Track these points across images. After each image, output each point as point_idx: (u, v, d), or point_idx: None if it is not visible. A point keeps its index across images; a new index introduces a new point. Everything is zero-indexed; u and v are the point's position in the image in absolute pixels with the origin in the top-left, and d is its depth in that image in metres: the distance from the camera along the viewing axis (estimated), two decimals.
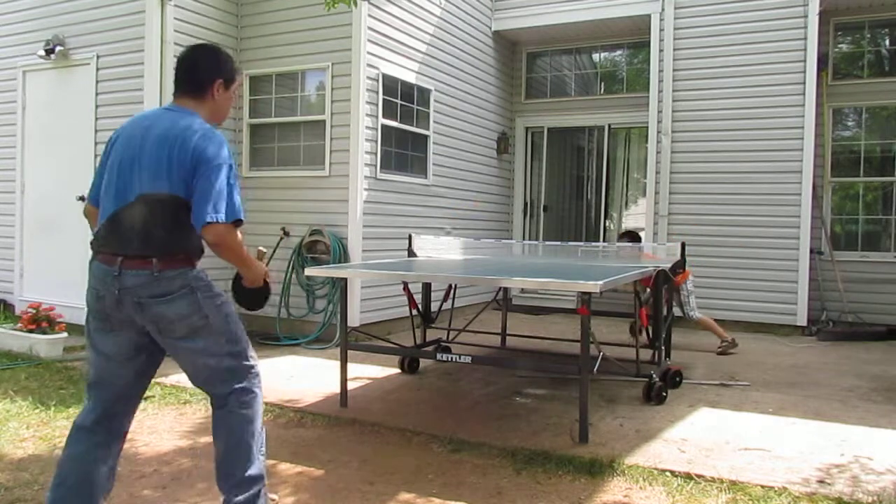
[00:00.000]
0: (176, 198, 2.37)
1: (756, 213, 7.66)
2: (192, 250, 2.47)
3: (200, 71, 2.59)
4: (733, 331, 7.54)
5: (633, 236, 6.81)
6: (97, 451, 2.46)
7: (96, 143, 6.57)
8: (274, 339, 6.53)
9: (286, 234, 6.83)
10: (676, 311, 6.07)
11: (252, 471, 2.49)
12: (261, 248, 2.90)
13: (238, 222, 2.41)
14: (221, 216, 2.33)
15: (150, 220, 2.37)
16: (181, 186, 2.37)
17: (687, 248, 5.30)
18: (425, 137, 7.64)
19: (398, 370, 5.39)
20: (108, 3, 6.56)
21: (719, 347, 6.39)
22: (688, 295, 6.38)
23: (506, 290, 6.44)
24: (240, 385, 2.52)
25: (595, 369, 4.07)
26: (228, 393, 2.50)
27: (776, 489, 3.09)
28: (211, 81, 2.59)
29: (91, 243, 2.49)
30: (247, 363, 2.57)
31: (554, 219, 10.18)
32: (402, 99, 7.21)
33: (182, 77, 2.60)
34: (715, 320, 6.70)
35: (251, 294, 2.79)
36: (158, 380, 4.89)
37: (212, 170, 2.36)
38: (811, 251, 7.62)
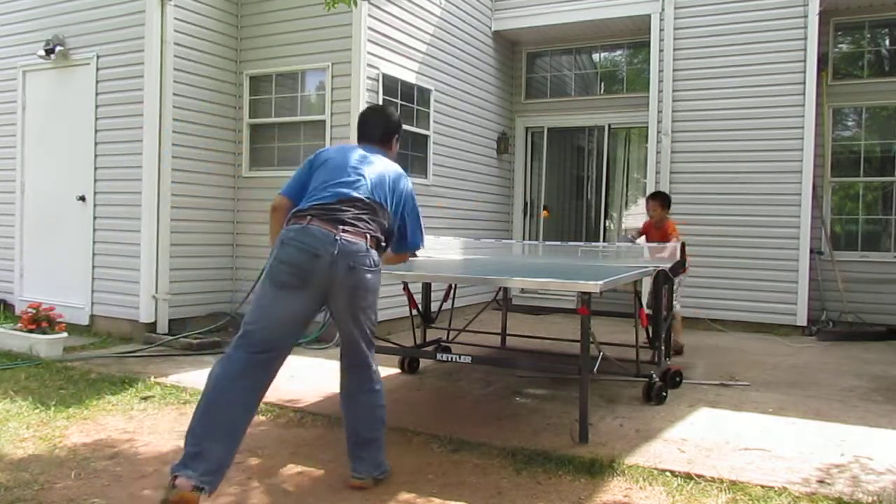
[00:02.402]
0: (386, 209, 3.15)
1: (756, 213, 7.66)
2: (386, 244, 3.22)
3: (387, 126, 3.42)
4: (734, 331, 7.56)
5: (663, 198, 6.46)
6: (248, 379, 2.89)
7: (96, 143, 6.57)
8: None
9: None
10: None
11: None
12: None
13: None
14: (423, 244, 3.40)
15: (370, 213, 3.06)
16: (391, 203, 3.17)
17: (687, 247, 5.30)
18: (425, 137, 7.64)
19: (398, 370, 5.39)
20: (108, 3, 6.56)
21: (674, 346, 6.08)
22: (677, 286, 6.30)
23: (506, 290, 6.44)
24: (373, 351, 3.21)
25: (595, 369, 4.07)
26: (371, 355, 3.16)
27: (776, 489, 3.09)
28: (392, 134, 3.43)
29: (301, 212, 3.04)
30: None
31: (554, 219, 10.18)
32: (403, 99, 7.21)
33: (373, 130, 3.40)
34: (715, 320, 6.71)
35: None
36: (158, 380, 4.89)
37: (415, 208, 3.30)
38: (811, 251, 7.62)
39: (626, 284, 4.51)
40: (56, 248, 6.94)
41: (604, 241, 9.40)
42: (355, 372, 3.16)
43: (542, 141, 9.82)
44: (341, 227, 2.95)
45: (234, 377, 2.83)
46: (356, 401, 3.13)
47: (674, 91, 8.05)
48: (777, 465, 3.41)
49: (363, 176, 3.11)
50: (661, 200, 6.39)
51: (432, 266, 5.17)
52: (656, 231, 6.37)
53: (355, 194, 3.05)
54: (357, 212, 3.02)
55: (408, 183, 3.27)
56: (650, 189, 8.20)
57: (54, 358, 5.45)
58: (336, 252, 2.90)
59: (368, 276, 3.01)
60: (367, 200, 3.07)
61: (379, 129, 3.38)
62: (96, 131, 6.60)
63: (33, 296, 6.84)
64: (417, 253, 3.42)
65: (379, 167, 3.20)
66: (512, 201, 9.80)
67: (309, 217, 2.99)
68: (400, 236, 3.28)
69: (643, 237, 6.42)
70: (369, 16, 6.61)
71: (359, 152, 3.23)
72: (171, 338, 6.15)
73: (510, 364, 5.50)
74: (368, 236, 3.00)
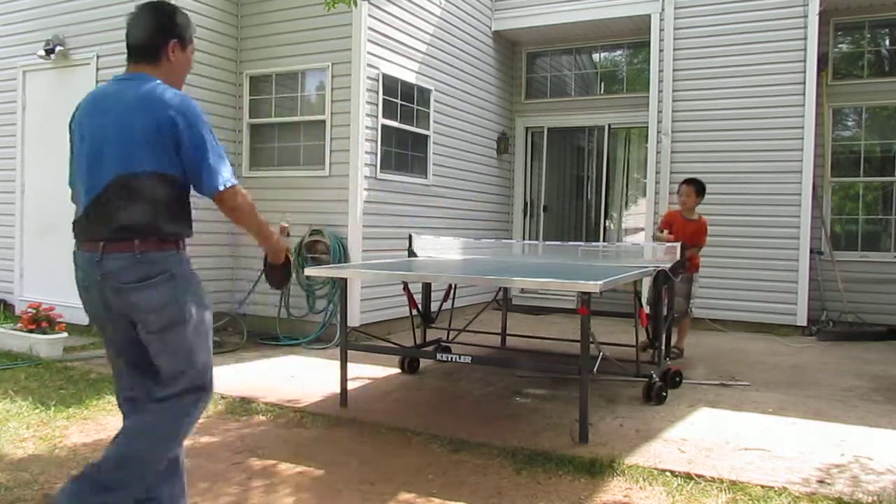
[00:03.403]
0: (156, 173, 2.22)
1: (756, 213, 7.66)
2: (178, 232, 2.34)
3: (149, 33, 2.38)
4: (734, 331, 7.56)
5: (698, 185, 6.06)
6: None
7: None
8: (274, 339, 6.53)
9: (286, 234, 6.81)
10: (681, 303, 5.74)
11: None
12: (284, 223, 2.79)
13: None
14: (233, 179, 2.31)
15: (130, 200, 2.22)
16: (163, 160, 2.22)
17: (687, 248, 5.30)
18: (425, 137, 7.64)
19: (398, 370, 5.39)
20: (108, 3, 6.56)
21: (674, 349, 5.89)
22: (696, 289, 6.19)
23: (506, 290, 6.44)
24: (186, 394, 2.33)
25: (595, 369, 4.07)
26: (165, 398, 2.32)
27: (776, 489, 3.09)
28: (165, 43, 2.38)
29: (73, 233, 2.39)
30: (199, 387, 2.36)
31: (554, 219, 10.18)
32: (402, 99, 7.21)
33: (134, 42, 2.38)
34: (715, 320, 6.69)
35: (277, 271, 2.73)
36: None
37: (202, 135, 2.25)
38: (811, 251, 7.62)
39: (626, 284, 4.52)
40: (56, 248, 6.94)
41: (604, 240, 9.40)
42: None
43: (542, 141, 9.82)
44: (102, 242, 2.25)
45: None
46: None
47: (674, 91, 8.05)
48: (777, 465, 3.41)
49: (101, 150, 2.27)
50: (696, 187, 6.02)
51: (432, 266, 5.17)
52: (686, 223, 5.95)
53: (109, 181, 2.24)
54: (120, 207, 2.23)
55: (181, 106, 2.24)
56: (650, 189, 8.22)
57: (54, 358, 5.45)
58: (99, 278, 2.26)
59: (138, 294, 2.23)
60: (128, 179, 2.22)
61: (139, 37, 2.38)
62: None
63: (33, 296, 6.84)
64: (235, 195, 2.31)
65: (117, 118, 2.25)
66: (512, 201, 9.80)
67: (76, 234, 2.41)
68: (198, 188, 2.32)
69: (666, 231, 5.98)
70: (369, 16, 6.61)
71: (102, 102, 2.35)
72: None
73: (510, 364, 5.50)
74: (136, 241, 2.23)
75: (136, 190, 2.22)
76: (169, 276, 2.27)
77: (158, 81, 2.32)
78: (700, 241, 6.00)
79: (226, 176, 2.28)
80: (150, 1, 2.46)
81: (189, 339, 2.31)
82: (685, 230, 5.91)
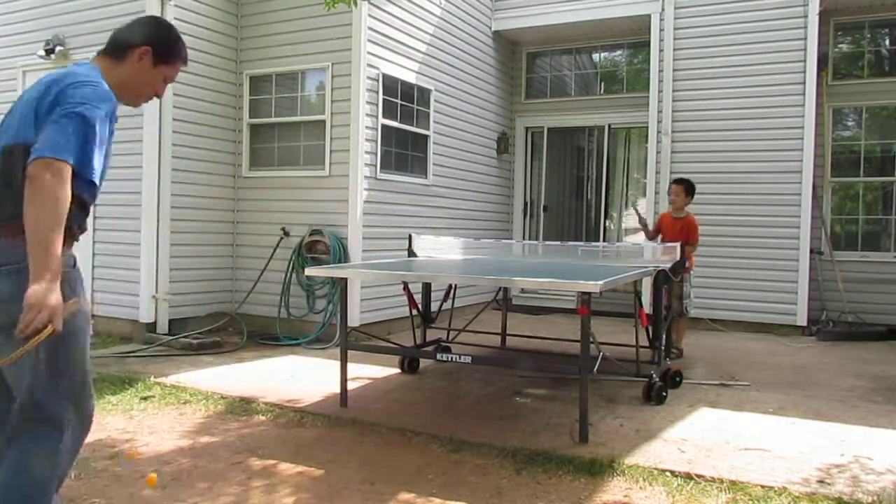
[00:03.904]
0: (28, 147, 1.91)
1: (756, 213, 7.66)
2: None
3: (129, 31, 2.25)
4: (734, 331, 7.56)
5: (688, 184, 6.18)
6: None
7: None
8: (274, 339, 6.53)
9: (286, 234, 6.83)
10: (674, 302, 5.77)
11: None
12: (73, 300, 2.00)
13: (84, 177, 1.96)
14: (60, 154, 1.86)
15: (3, 175, 1.98)
16: (31, 132, 1.96)
17: (687, 247, 5.30)
18: (425, 137, 7.64)
19: (398, 370, 5.38)
20: (108, 3, 6.56)
21: (673, 349, 5.89)
22: (690, 289, 6.24)
23: (506, 290, 6.44)
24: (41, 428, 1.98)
25: (595, 369, 4.07)
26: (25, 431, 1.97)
27: (776, 489, 3.09)
28: (135, 44, 2.20)
29: None
30: (60, 411, 2.00)
31: (554, 219, 10.18)
32: (402, 99, 7.21)
33: (112, 35, 2.26)
34: (715, 320, 6.68)
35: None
36: (158, 380, 4.89)
37: (66, 112, 1.93)
38: (811, 251, 7.62)
39: (626, 284, 4.52)
40: None
41: (604, 240, 9.40)
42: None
43: (542, 141, 9.82)
44: None
45: None
46: None
47: (674, 91, 8.05)
48: (777, 465, 3.41)
49: (11, 116, 2.09)
50: (685, 186, 6.13)
51: (432, 266, 5.17)
52: (674, 222, 6.09)
53: None
54: None
55: (78, 86, 2.01)
56: (650, 189, 8.21)
57: None
58: None
59: None
60: (7, 152, 2.00)
61: (118, 32, 2.27)
62: None
63: None
64: (46, 167, 1.83)
65: (30, 93, 2.07)
66: (512, 201, 9.80)
67: None
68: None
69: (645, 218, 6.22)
70: (369, 16, 6.61)
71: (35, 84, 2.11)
72: (171, 338, 6.15)
73: (510, 364, 5.50)
74: (5, 220, 1.96)
75: (10, 163, 1.98)
76: (17, 269, 1.90)
77: (92, 68, 2.14)
78: (691, 239, 5.99)
79: (55, 148, 1.87)
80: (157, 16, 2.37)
81: (43, 350, 1.90)
82: (673, 228, 6.05)
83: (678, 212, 6.17)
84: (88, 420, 2.13)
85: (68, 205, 1.86)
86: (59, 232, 1.83)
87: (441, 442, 3.71)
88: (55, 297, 1.80)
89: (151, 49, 2.22)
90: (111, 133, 2.12)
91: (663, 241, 6.12)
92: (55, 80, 2.03)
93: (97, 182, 2.03)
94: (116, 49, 2.22)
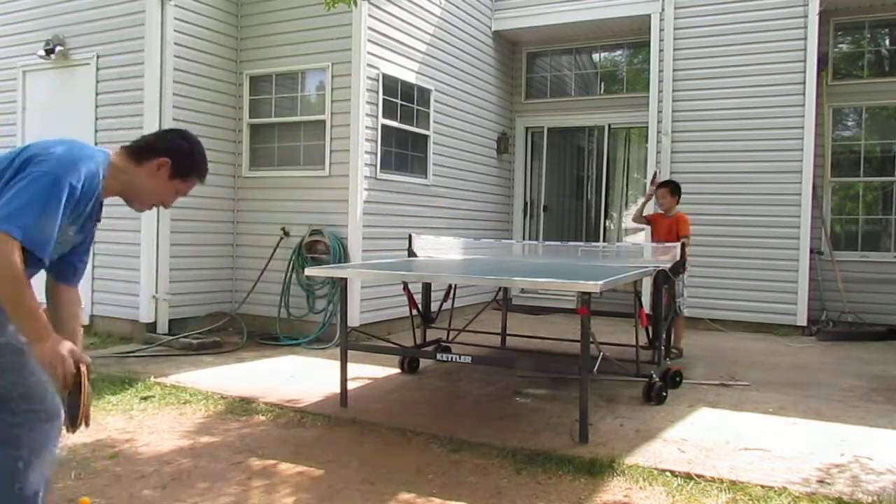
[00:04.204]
0: None
1: (756, 213, 7.66)
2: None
3: (156, 138, 2.30)
4: (734, 331, 7.56)
5: (673, 186, 6.31)
6: None
7: (96, 143, 6.57)
8: (274, 339, 6.53)
9: (286, 234, 6.83)
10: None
11: None
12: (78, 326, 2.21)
13: (35, 255, 1.87)
14: (14, 229, 1.80)
15: None
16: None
17: (687, 247, 5.30)
18: (425, 137, 7.64)
19: (398, 370, 5.38)
20: (108, 3, 6.56)
21: (672, 349, 5.92)
22: (683, 288, 6.27)
23: (506, 290, 6.44)
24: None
25: (595, 369, 4.07)
26: None
27: (776, 489, 3.09)
28: (157, 153, 2.21)
29: None
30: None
31: (554, 219, 10.18)
32: (402, 99, 7.21)
33: (139, 137, 2.31)
34: (715, 320, 6.68)
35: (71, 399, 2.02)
36: (158, 380, 4.89)
37: (39, 174, 1.88)
38: (811, 251, 7.62)
39: (626, 284, 4.52)
40: None
41: (604, 240, 9.40)
42: None
43: (542, 141, 9.82)
44: None
45: None
46: None
47: (674, 91, 8.05)
48: (777, 465, 3.41)
49: None
50: (671, 188, 6.28)
51: (432, 266, 5.17)
52: (664, 219, 6.26)
53: None
54: None
55: (58, 146, 2.00)
56: (650, 189, 8.20)
57: None
58: None
59: None
60: None
61: (147, 136, 2.34)
62: (96, 131, 6.60)
63: None
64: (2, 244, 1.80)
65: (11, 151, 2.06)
66: (512, 201, 9.80)
67: None
68: None
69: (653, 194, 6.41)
70: (369, 16, 6.61)
71: None
72: (171, 338, 6.15)
73: (510, 364, 5.51)
74: None
75: None
76: None
77: (101, 152, 2.15)
78: (682, 231, 6.09)
79: (11, 219, 1.81)
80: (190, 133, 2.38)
81: None
82: (663, 225, 6.24)
83: (668, 212, 6.32)
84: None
85: (22, 266, 1.84)
86: (26, 295, 1.85)
87: (441, 442, 3.71)
88: (57, 346, 1.93)
89: (171, 162, 2.23)
90: (91, 213, 2.10)
91: (654, 237, 6.34)
92: (35, 144, 2.01)
93: (45, 261, 1.94)
94: (138, 151, 2.22)
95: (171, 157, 2.22)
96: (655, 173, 6.61)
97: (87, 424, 2.07)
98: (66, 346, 1.96)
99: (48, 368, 1.92)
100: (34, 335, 1.91)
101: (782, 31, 7.60)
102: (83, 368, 1.98)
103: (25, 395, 1.99)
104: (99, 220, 2.21)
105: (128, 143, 2.27)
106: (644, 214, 6.58)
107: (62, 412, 2.07)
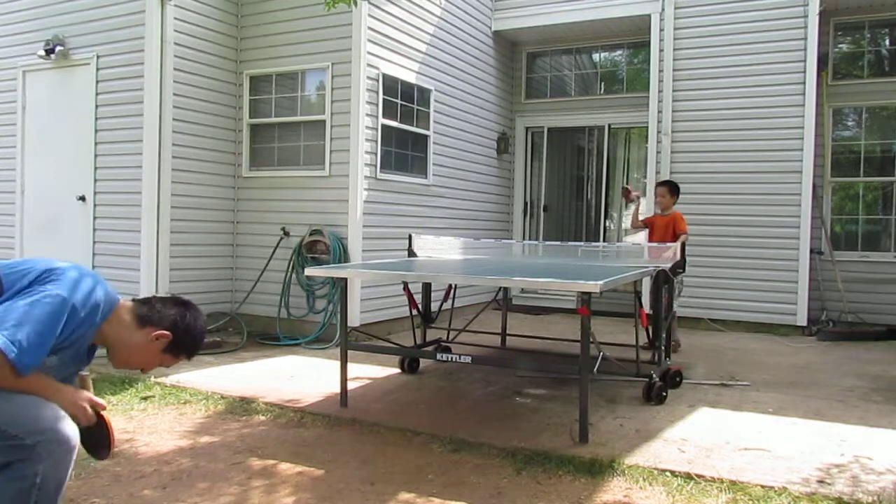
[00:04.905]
0: None
1: (756, 213, 7.66)
2: None
3: (165, 307, 2.29)
4: (734, 331, 7.56)
5: (671, 185, 6.41)
6: None
7: (96, 143, 6.57)
8: (274, 339, 6.53)
9: (286, 234, 6.83)
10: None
11: None
12: (83, 373, 2.35)
13: (20, 372, 1.91)
14: (11, 352, 1.87)
15: None
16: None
17: (686, 247, 5.31)
18: (425, 137, 7.64)
19: (398, 370, 5.38)
20: (108, 3, 6.56)
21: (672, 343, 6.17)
22: (680, 285, 6.28)
23: (506, 290, 6.44)
24: None
25: (595, 369, 4.07)
26: None
27: (776, 489, 3.09)
28: (166, 325, 2.24)
29: None
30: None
31: (554, 219, 10.18)
32: (402, 99, 7.21)
33: (151, 298, 2.36)
34: (715, 320, 6.67)
35: (86, 434, 2.17)
36: (158, 380, 4.89)
37: (44, 293, 1.96)
38: (811, 251, 7.62)
39: (626, 284, 4.52)
40: (56, 248, 6.94)
41: (604, 240, 9.40)
42: None
43: (542, 141, 9.82)
44: None
45: None
46: None
47: (674, 91, 8.05)
48: (777, 465, 3.41)
49: None
50: (669, 187, 6.39)
51: (432, 266, 5.17)
52: (660, 218, 6.32)
53: None
54: None
55: (68, 270, 2.09)
56: (650, 189, 8.20)
57: None
58: None
59: None
60: None
61: (155, 301, 2.34)
62: (96, 131, 6.60)
63: None
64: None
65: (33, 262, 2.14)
66: (512, 201, 9.80)
67: None
68: None
69: (640, 204, 6.51)
70: (369, 16, 6.61)
71: None
72: None
73: (510, 364, 5.50)
74: None
75: None
76: None
77: (112, 295, 2.21)
78: (680, 228, 6.18)
79: (11, 339, 1.87)
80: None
81: None
82: (661, 223, 6.32)
83: (665, 211, 6.38)
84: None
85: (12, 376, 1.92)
86: (21, 384, 1.94)
87: (441, 442, 3.71)
88: (70, 397, 2.09)
89: (171, 338, 2.26)
90: (78, 339, 2.13)
91: (651, 237, 6.40)
92: (51, 262, 2.10)
93: (23, 375, 1.95)
94: (147, 316, 2.25)
95: (174, 334, 2.26)
96: (626, 189, 6.66)
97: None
98: (82, 397, 2.13)
99: (73, 417, 2.07)
100: (49, 397, 2.04)
101: (782, 31, 7.60)
102: (99, 410, 2.17)
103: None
104: (86, 364, 2.28)
105: (140, 299, 2.31)
106: (641, 218, 6.63)
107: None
